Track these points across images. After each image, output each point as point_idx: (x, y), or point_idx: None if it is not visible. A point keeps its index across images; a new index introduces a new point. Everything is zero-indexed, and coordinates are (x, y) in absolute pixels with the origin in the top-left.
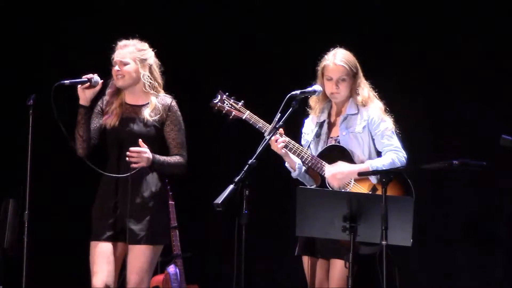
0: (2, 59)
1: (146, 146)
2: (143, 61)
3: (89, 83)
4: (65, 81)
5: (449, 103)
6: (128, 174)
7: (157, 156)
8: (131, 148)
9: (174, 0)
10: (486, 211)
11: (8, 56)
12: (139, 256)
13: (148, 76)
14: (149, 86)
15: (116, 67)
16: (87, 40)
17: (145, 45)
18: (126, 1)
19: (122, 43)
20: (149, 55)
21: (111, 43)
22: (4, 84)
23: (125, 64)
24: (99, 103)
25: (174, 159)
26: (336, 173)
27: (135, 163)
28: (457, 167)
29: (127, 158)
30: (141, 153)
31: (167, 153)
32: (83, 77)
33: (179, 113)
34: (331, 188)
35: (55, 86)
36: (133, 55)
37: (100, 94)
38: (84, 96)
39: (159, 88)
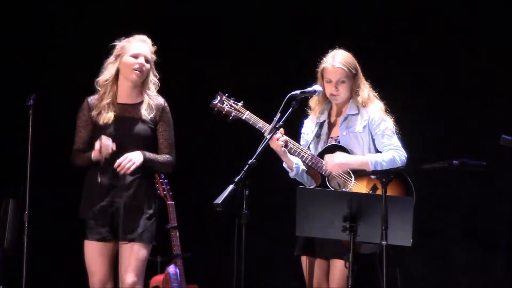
0: (2, 59)
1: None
2: (152, 64)
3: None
4: (99, 179)
5: (449, 103)
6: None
7: (148, 154)
8: (117, 162)
9: (174, 0)
10: (486, 211)
11: (8, 56)
12: (135, 254)
13: (152, 78)
14: (151, 83)
15: (141, 60)
16: (86, 40)
17: None
18: (126, 1)
19: (142, 37)
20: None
21: (111, 43)
22: (4, 84)
23: (147, 61)
24: (85, 111)
25: (164, 158)
26: (335, 160)
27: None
28: (457, 167)
29: (118, 171)
30: (126, 160)
31: (156, 151)
32: (95, 155)
33: (170, 113)
34: (331, 187)
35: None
36: (151, 55)
37: (83, 95)
38: (96, 155)
39: (153, 87)
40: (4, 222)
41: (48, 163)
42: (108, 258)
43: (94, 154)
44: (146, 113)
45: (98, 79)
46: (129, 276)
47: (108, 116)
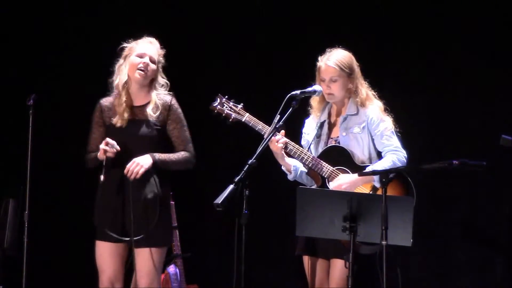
0: (2, 59)
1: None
2: (160, 66)
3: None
4: (102, 179)
5: (449, 103)
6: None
7: (158, 155)
8: (126, 168)
9: (174, 0)
10: (486, 211)
11: (8, 56)
12: (147, 259)
13: (159, 81)
14: (159, 85)
15: (145, 59)
16: (87, 40)
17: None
18: (126, 1)
19: (150, 39)
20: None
21: (111, 43)
22: (4, 84)
23: (153, 62)
24: (97, 112)
25: (179, 155)
26: (341, 184)
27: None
28: (457, 167)
29: (128, 176)
30: (134, 164)
31: (172, 151)
32: (102, 158)
33: (179, 110)
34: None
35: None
36: (158, 57)
37: (96, 98)
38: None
39: (162, 89)
40: (4, 222)
41: (48, 163)
42: (119, 259)
43: (99, 154)
44: (151, 114)
45: (114, 83)
46: (143, 281)
47: (122, 120)
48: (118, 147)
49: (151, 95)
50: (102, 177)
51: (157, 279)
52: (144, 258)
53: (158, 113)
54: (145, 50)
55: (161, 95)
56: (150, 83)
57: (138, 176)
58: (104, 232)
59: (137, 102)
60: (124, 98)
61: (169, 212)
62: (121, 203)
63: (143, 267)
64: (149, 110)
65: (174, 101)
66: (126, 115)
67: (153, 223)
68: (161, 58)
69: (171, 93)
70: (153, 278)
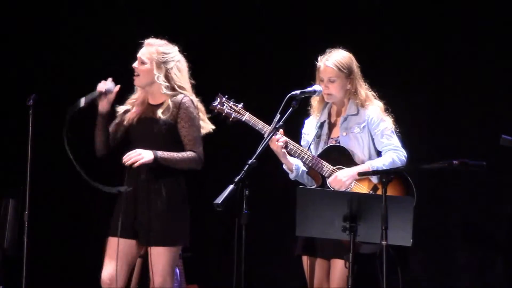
0: (2, 59)
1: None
2: (159, 63)
3: (103, 95)
4: (82, 103)
5: (449, 103)
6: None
7: (160, 152)
8: (126, 154)
9: (174, 0)
10: (486, 211)
11: (8, 56)
12: (160, 258)
13: (164, 80)
14: (166, 87)
15: (135, 64)
16: (87, 40)
17: (169, 49)
18: (126, 1)
19: (148, 41)
20: (170, 59)
21: (111, 43)
22: (4, 84)
23: (142, 62)
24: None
25: (184, 154)
26: (338, 178)
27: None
28: (457, 167)
29: (125, 161)
30: (136, 153)
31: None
32: (97, 90)
33: (190, 109)
34: (332, 187)
35: (74, 111)
36: (152, 56)
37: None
38: (101, 104)
39: (180, 90)
40: (4, 222)
41: (48, 163)
42: (124, 256)
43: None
44: (160, 113)
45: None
46: (156, 279)
47: (130, 117)
48: (112, 86)
49: (167, 97)
50: (82, 101)
51: (170, 278)
52: (157, 256)
53: (169, 113)
54: (138, 54)
55: (176, 96)
56: (157, 85)
57: (135, 165)
58: (114, 228)
59: (155, 102)
60: (139, 98)
61: (182, 211)
62: (136, 201)
63: (155, 266)
64: (159, 110)
65: (185, 100)
66: (134, 113)
67: (166, 222)
68: (159, 58)
69: (187, 93)
70: (166, 276)
